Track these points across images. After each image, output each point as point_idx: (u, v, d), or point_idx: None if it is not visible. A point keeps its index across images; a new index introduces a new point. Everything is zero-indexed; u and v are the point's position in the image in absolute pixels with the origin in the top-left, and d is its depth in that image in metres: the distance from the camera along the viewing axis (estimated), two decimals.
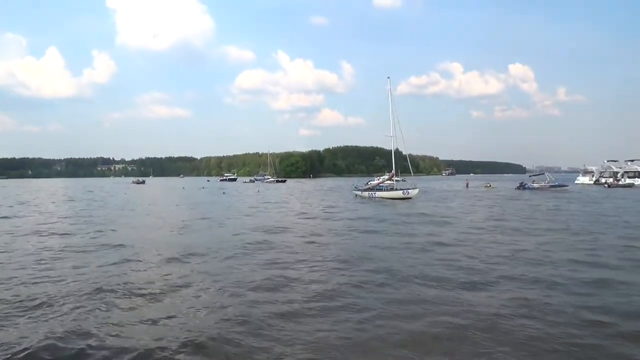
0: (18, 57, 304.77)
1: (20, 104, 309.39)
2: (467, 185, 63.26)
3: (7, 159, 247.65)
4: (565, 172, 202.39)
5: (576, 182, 67.95)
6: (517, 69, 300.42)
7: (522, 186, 50.59)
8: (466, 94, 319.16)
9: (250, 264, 10.69)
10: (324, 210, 26.79)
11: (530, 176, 57.97)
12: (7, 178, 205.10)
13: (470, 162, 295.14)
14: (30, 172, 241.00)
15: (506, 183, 67.60)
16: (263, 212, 25.92)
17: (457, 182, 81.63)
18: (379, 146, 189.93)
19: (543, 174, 56.15)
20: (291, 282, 8.91)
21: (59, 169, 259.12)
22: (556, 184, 49.46)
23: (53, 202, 37.26)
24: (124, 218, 22.77)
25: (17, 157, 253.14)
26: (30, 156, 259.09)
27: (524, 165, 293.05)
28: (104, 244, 13.83)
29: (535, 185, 49.77)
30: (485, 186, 59.58)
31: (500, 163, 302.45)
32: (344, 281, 8.90)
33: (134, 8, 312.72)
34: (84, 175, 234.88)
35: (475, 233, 15.97)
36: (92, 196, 46.39)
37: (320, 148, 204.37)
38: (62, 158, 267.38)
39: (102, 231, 16.97)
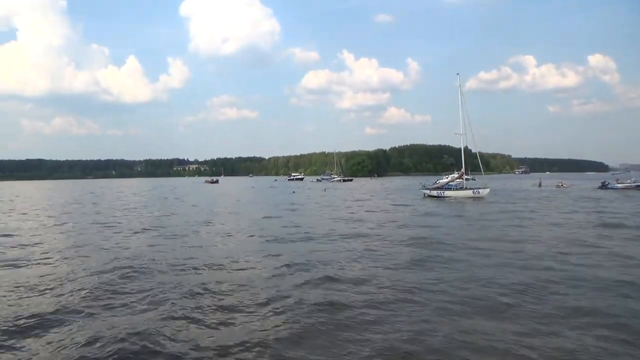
0: (102, 66, 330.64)
1: (104, 110, 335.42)
2: (540, 184, 59.58)
3: (94, 160, 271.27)
4: None
5: None
6: (597, 60, 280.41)
7: (604, 186, 46.86)
8: (541, 88, 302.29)
9: None
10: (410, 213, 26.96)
11: (613, 174, 54.03)
12: (93, 178, 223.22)
13: (546, 159, 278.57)
14: (114, 172, 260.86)
15: (586, 182, 63.26)
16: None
17: (529, 181, 77.63)
18: (447, 144, 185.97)
19: (628, 172, 51.96)
20: None
21: (139, 169, 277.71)
22: None
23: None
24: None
25: (102, 159, 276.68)
26: (114, 158, 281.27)
27: (606, 163, 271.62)
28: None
29: (619, 185, 45.79)
30: (557, 185, 55.36)
31: (579, 161, 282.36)
32: None
33: (205, 15, 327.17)
34: (161, 175, 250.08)
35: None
36: (212, 195, 49.86)
37: (387, 147, 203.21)
38: (142, 159, 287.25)
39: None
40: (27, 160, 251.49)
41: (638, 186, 44.32)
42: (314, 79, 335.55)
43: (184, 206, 33.39)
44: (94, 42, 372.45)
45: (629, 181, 46.08)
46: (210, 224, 20.37)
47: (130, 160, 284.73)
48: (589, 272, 9.58)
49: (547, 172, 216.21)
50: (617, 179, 48.19)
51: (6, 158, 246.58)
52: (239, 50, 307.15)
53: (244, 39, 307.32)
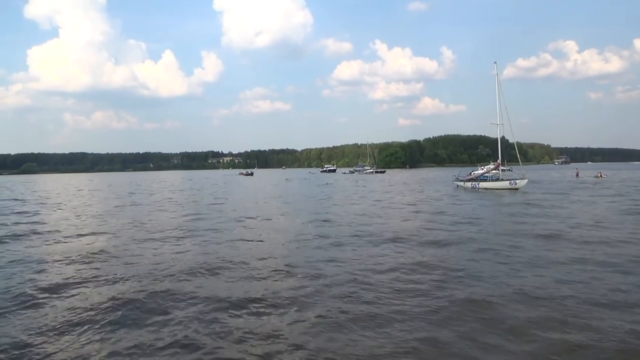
0: (139, 61, 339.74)
1: (142, 104, 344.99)
2: (577, 174, 57.16)
3: (132, 153, 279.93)
4: None
5: None
6: None
7: None
8: (582, 75, 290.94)
9: None
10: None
11: None
12: (133, 171, 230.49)
13: (588, 149, 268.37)
14: (151, 165, 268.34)
15: (634, 172, 59.86)
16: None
17: (568, 172, 74.88)
18: (483, 134, 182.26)
19: None
20: None
21: (175, 162, 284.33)
22: None
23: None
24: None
25: (140, 152, 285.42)
26: (152, 151, 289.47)
27: None
28: None
29: None
30: (596, 176, 52.67)
31: (624, 149, 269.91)
32: None
33: (239, 9, 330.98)
34: (197, 168, 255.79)
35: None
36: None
37: (421, 138, 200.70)
38: (178, 152, 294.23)
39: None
40: (71, 153, 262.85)
41: None
42: (346, 70, 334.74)
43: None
44: (132, 37, 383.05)
45: None
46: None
47: (167, 153, 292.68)
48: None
49: (589, 162, 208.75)
50: None
51: (50, 152, 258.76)
52: (272, 43, 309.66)
53: (276, 31, 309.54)
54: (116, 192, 44.24)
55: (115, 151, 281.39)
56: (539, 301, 7.08)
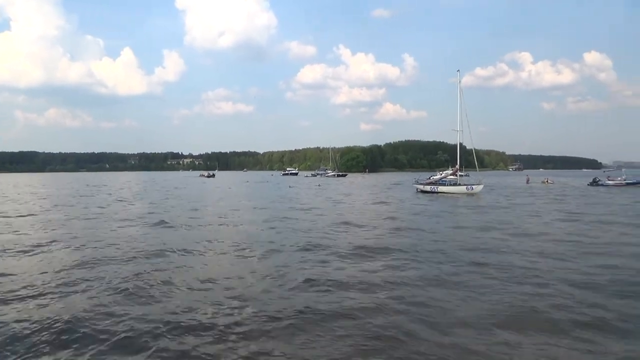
0: (96, 58, 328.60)
1: (99, 102, 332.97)
2: (528, 181, 60.90)
3: (87, 153, 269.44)
4: None
5: None
6: (593, 58, 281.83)
7: (595, 182, 47.94)
8: (536, 85, 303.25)
9: None
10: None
11: (604, 172, 54.86)
12: (87, 171, 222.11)
13: (541, 156, 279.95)
14: (107, 165, 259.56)
15: (578, 179, 64.20)
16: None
17: (521, 178, 79.01)
18: (442, 140, 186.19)
19: (619, 169, 52.69)
20: None
21: (132, 162, 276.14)
22: (633, 180, 46.25)
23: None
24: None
25: (96, 151, 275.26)
26: (108, 151, 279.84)
27: (599, 160, 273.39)
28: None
29: (610, 182, 46.62)
30: (543, 182, 57.45)
31: (574, 158, 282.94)
32: None
33: (202, 8, 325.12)
34: (155, 169, 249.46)
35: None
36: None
37: (382, 142, 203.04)
38: (136, 152, 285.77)
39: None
40: (20, 152, 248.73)
41: (628, 183, 45.31)
42: (309, 74, 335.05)
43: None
44: (89, 33, 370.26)
45: (619, 178, 46.76)
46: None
47: (124, 154, 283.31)
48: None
49: (541, 169, 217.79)
50: (608, 177, 48.91)
51: None
52: (235, 44, 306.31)
53: (240, 32, 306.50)
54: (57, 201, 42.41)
55: (68, 150, 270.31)
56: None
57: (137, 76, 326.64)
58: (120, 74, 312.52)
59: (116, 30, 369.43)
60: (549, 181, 57.27)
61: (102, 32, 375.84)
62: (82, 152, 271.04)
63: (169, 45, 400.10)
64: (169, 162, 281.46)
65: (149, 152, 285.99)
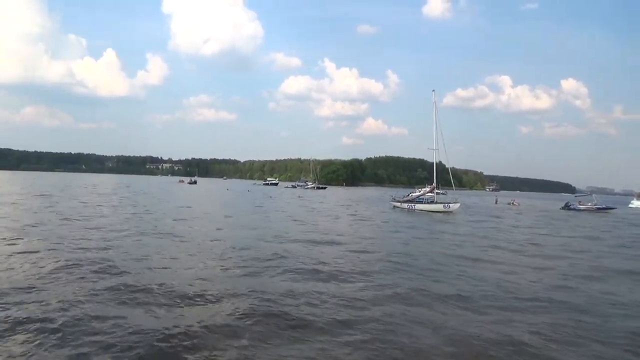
0: (78, 58, 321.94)
1: (78, 102, 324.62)
2: (496, 201, 63.27)
3: (64, 153, 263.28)
4: (619, 194, 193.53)
5: (630, 205, 65.51)
6: (570, 85, 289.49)
7: (567, 206, 49.32)
8: (515, 109, 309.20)
9: None
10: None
11: (576, 196, 56.52)
12: (63, 171, 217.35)
13: (517, 178, 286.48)
14: (84, 167, 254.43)
15: (552, 202, 66.14)
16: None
17: (492, 198, 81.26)
18: (422, 158, 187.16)
19: (590, 195, 54.29)
20: None
21: (110, 165, 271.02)
22: (603, 206, 47.79)
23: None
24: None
25: (73, 152, 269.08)
26: (85, 152, 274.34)
27: (573, 185, 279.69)
28: None
29: (581, 206, 48.10)
30: (509, 203, 59.89)
31: (549, 181, 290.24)
32: None
33: (188, 14, 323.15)
34: (133, 172, 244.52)
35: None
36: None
37: (362, 157, 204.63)
38: (114, 155, 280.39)
39: None
40: None
41: (598, 209, 46.83)
42: (294, 85, 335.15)
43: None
44: (72, 32, 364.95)
45: (590, 204, 48.31)
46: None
47: (102, 156, 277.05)
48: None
49: (517, 191, 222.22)
50: (580, 201, 50.34)
51: None
52: (220, 52, 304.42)
53: (225, 40, 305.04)
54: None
55: (44, 149, 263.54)
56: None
57: (119, 78, 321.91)
58: (102, 75, 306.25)
59: (100, 31, 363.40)
60: (514, 203, 59.45)
61: (86, 31, 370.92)
62: (59, 151, 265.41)
63: (153, 49, 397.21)
64: (147, 166, 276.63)
65: (127, 155, 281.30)
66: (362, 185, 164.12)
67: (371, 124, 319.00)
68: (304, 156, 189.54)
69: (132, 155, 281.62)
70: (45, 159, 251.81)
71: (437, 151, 38.99)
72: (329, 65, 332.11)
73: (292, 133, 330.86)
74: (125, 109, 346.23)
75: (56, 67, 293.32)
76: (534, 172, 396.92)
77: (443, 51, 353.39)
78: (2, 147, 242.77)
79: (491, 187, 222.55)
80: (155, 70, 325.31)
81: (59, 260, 10.61)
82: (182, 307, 7.62)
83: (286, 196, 59.09)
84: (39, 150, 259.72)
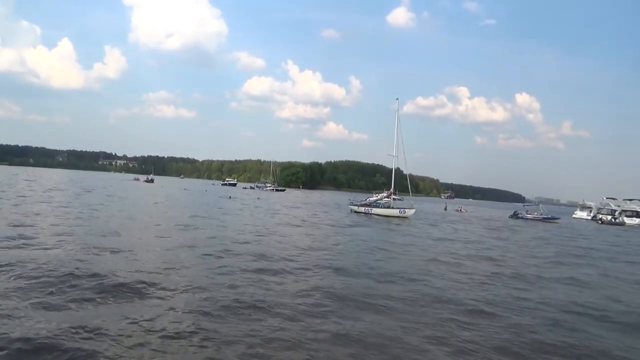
0: (30, 46, 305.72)
1: (28, 92, 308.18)
2: (445, 208, 65.98)
3: (10, 145, 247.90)
4: (565, 205, 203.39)
5: (574, 216, 68.93)
6: (523, 99, 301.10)
7: (515, 215, 51.76)
8: (471, 119, 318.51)
9: None
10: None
11: (524, 206, 59.21)
12: (9, 165, 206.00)
13: (471, 187, 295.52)
14: (31, 160, 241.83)
15: (501, 211, 69.29)
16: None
17: (449, 205, 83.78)
18: (380, 163, 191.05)
19: (537, 205, 57.07)
20: None
21: (60, 159, 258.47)
22: (548, 216, 50.30)
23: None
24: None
25: (20, 144, 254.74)
26: (34, 145, 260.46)
27: (523, 195, 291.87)
28: None
29: (529, 215, 50.68)
30: (456, 210, 63.30)
31: (501, 190, 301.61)
32: None
33: (150, 7, 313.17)
34: (85, 168, 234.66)
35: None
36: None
37: (323, 160, 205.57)
38: (65, 149, 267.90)
39: None
40: None
41: (544, 218, 49.32)
42: (256, 85, 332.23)
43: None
44: (25, 18, 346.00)
45: (536, 213, 50.97)
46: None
47: (52, 149, 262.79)
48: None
49: (471, 199, 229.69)
50: (527, 210, 52.91)
51: None
52: (182, 47, 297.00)
53: (188, 36, 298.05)
54: None
55: None
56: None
57: (74, 70, 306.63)
58: (55, 65, 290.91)
59: (56, 19, 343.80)
60: (462, 210, 63.11)
61: (40, 18, 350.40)
62: (4, 143, 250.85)
63: (112, 41, 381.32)
64: (100, 162, 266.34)
65: (79, 149, 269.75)
66: (321, 189, 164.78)
67: (332, 128, 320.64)
68: (264, 157, 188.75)
69: (84, 149, 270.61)
70: None
71: (396, 158, 39.74)
72: (292, 68, 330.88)
73: (253, 134, 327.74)
74: (79, 102, 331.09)
75: (5, 54, 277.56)
76: (488, 181, 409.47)
77: (405, 60, 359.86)
78: None
79: (446, 195, 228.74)
80: (112, 63, 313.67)
81: None
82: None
83: (245, 197, 58.49)
84: None
